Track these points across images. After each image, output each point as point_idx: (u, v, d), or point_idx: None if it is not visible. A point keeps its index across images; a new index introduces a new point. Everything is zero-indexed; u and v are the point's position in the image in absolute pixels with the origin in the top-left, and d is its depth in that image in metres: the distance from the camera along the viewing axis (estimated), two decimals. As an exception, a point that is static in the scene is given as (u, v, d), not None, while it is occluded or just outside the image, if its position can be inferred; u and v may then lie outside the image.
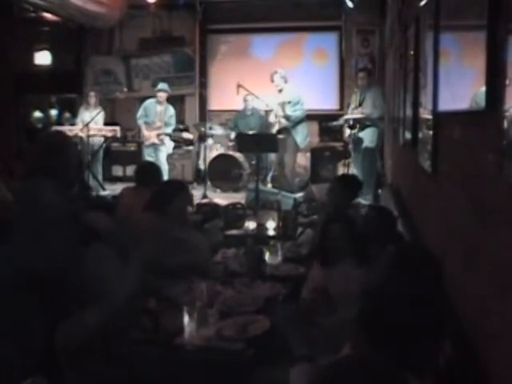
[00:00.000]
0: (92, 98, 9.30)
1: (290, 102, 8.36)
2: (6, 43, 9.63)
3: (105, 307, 2.89)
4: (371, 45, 9.92)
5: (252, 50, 10.57)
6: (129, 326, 2.86)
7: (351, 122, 8.03)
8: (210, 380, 2.52)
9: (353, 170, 8.13)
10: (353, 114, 8.10)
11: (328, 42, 10.32)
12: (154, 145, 8.82)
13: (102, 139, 9.07)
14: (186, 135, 9.60)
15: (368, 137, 7.90)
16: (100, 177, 9.14)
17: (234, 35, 10.73)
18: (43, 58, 10.61)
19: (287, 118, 8.39)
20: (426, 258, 2.18)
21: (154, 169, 5.34)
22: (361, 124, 7.92)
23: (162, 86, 9.11)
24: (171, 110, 9.02)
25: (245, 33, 10.62)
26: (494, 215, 1.66)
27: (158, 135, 8.77)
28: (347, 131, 8.19)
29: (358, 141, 7.93)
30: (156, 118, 8.90)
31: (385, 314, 1.66)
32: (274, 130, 8.59)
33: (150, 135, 8.81)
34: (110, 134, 9.04)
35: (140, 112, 9.16)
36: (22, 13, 9.32)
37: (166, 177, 8.18)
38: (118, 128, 9.13)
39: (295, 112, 8.40)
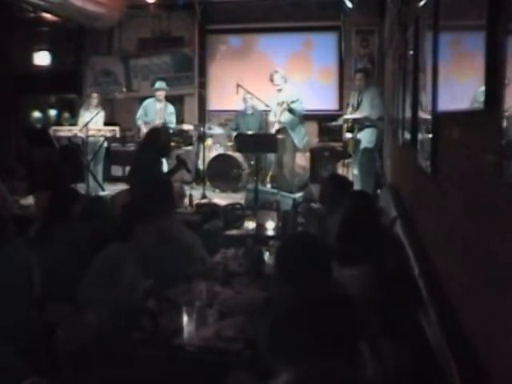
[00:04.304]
0: (94, 99, 9.28)
1: (293, 102, 8.35)
2: (6, 43, 9.63)
3: (105, 307, 2.90)
4: (370, 45, 9.93)
5: (254, 50, 10.57)
6: (129, 326, 2.86)
7: (349, 124, 8.03)
8: (208, 380, 2.52)
9: (352, 170, 8.14)
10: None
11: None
12: None
13: (102, 139, 9.06)
14: (186, 126, 9.57)
15: (366, 137, 7.89)
16: (100, 177, 9.12)
17: (235, 36, 10.72)
18: (43, 58, 10.61)
19: (292, 111, 8.37)
20: None
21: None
22: (359, 125, 7.92)
23: (159, 84, 9.15)
24: (171, 108, 9.07)
25: (244, 33, 10.62)
26: (494, 215, 1.66)
27: None
28: (346, 134, 8.20)
29: (357, 141, 7.92)
30: (156, 116, 8.93)
31: None
32: (273, 130, 8.58)
33: None
34: (109, 135, 9.02)
35: (140, 112, 9.19)
36: (21, 13, 9.33)
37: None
38: (117, 128, 9.13)
39: (295, 106, 8.40)
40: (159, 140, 5.94)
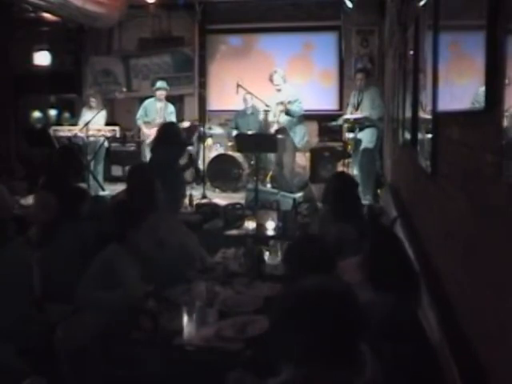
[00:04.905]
0: (93, 102, 9.26)
1: (289, 102, 8.37)
2: (6, 43, 9.63)
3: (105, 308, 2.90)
4: (370, 45, 9.92)
5: (254, 50, 10.55)
6: (129, 326, 2.86)
7: (350, 124, 8.03)
8: (208, 380, 2.52)
9: (352, 170, 8.14)
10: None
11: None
12: None
13: (102, 139, 9.05)
14: (185, 123, 9.56)
15: (367, 137, 7.89)
16: (100, 177, 9.12)
17: (235, 36, 10.72)
18: (43, 58, 10.60)
19: (288, 112, 8.38)
20: None
21: (144, 171, 5.36)
22: (360, 124, 7.92)
23: (160, 84, 9.15)
24: (171, 107, 9.10)
25: (244, 33, 10.61)
26: (494, 215, 1.66)
27: None
28: (346, 133, 8.19)
29: (357, 141, 7.93)
30: (156, 115, 8.94)
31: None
32: (273, 129, 8.59)
33: (150, 133, 8.82)
34: (109, 134, 9.01)
35: (140, 112, 9.19)
36: (21, 13, 9.31)
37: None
38: (117, 128, 9.12)
39: (293, 107, 8.41)
40: (178, 136, 5.71)
